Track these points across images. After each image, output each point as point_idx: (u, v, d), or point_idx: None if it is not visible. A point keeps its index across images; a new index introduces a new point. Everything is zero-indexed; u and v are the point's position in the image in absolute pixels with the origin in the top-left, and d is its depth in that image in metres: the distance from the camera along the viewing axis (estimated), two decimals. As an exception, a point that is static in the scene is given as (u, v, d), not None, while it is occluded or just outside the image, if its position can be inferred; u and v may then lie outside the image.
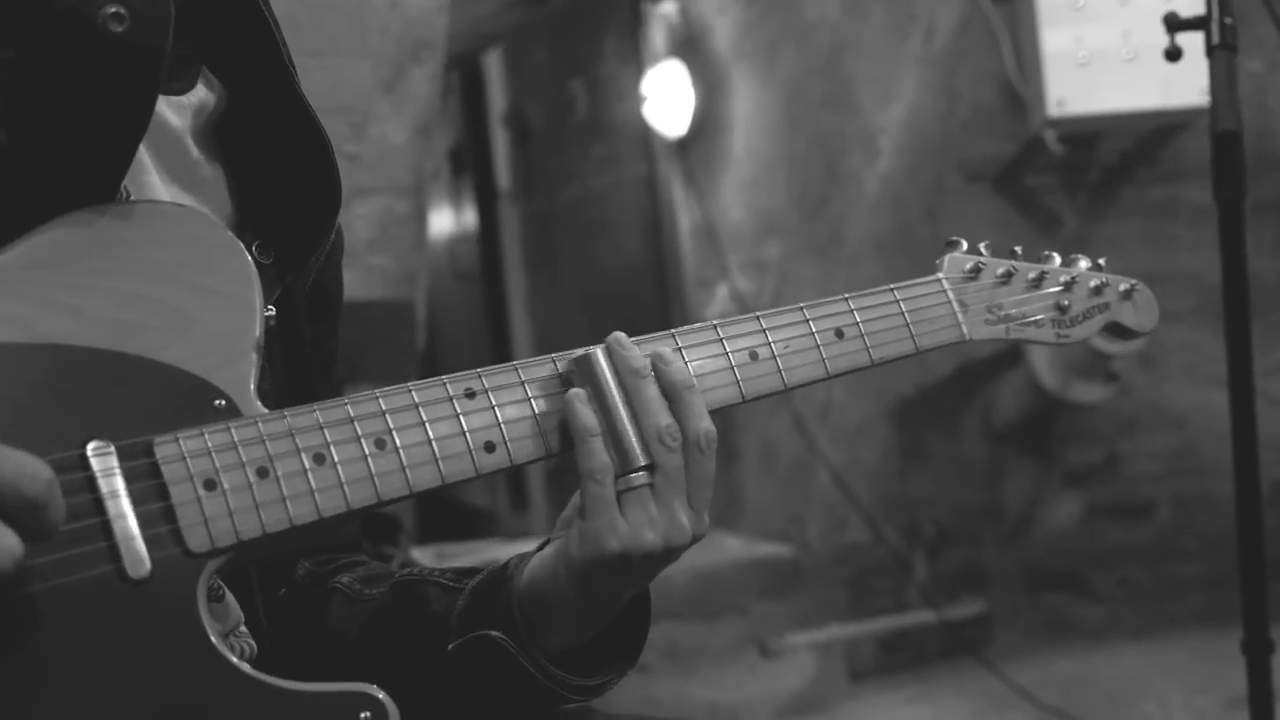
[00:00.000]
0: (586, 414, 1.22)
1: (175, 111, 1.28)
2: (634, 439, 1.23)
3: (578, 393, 1.23)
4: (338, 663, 1.30)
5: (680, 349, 1.30)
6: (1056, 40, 4.77)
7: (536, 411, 1.24)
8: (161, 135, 1.25)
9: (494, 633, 1.26)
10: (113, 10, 1.12)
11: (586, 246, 7.11)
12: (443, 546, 4.75)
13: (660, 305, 6.22)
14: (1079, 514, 5.65)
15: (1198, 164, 3.73)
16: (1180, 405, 5.48)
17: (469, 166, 8.18)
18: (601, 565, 1.22)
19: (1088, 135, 5.11)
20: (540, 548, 1.31)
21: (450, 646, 1.28)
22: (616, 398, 1.23)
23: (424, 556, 4.40)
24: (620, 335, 1.26)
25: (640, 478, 1.22)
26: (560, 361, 1.26)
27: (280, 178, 1.34)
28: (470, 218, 8.24)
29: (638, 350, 1.25)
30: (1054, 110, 4.78)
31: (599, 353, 1.25)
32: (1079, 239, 5.14)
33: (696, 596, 5.40)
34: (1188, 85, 4.43)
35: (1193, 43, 2.37)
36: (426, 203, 4.74)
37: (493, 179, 8.00)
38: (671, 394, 1.25)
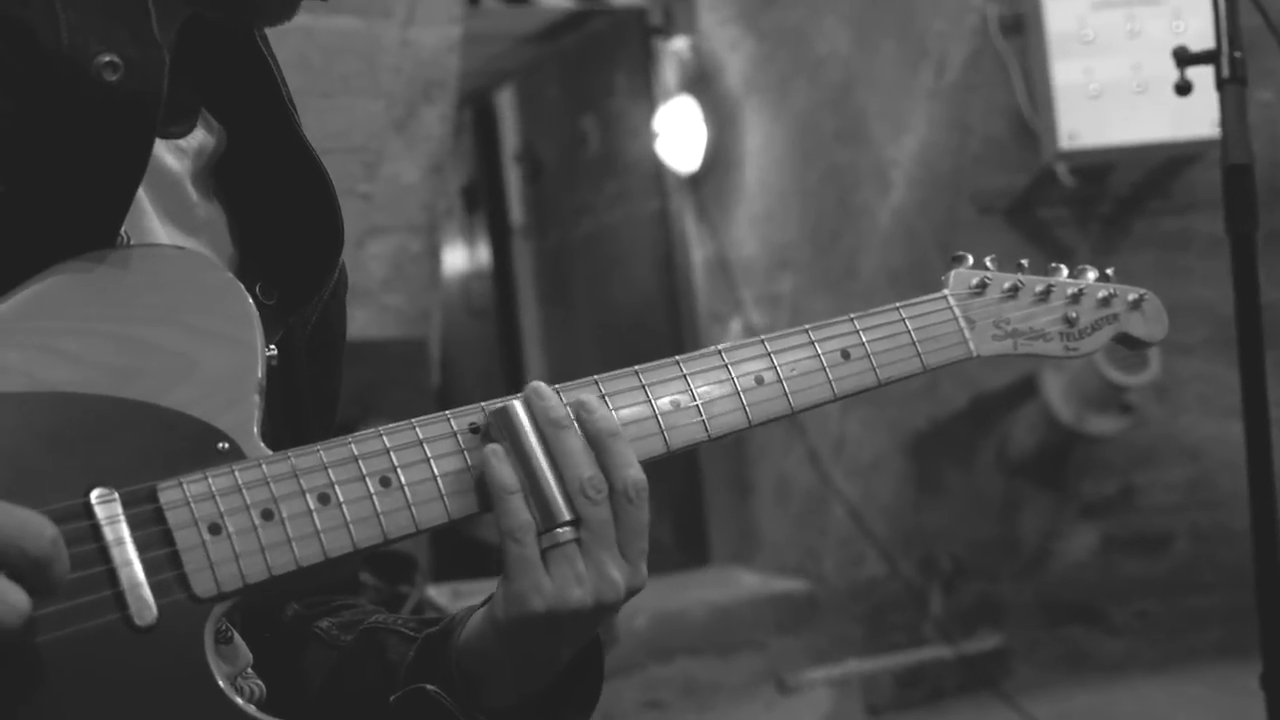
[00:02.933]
0: (504, 470, 1.16)
1: (174, 155, 1.27)
2: (557, 493, 1.17)
3: (494, 448, 1.17)
4: (302, 709, 1.27)
5: (604, 395, 1.23)
6: (1067, 73, 4.78)
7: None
8: (160, 178, 1.24)
9: (429, 687, 1.22)
10: (107, 59, 1.11)
11: (600, 282, 7.12)
12: (459, 585, 4.72)
13: (674, 339, 6.22)
14: (1095, 546, 5.63)
15: (1209, 195, 3.73)
16: (1196, 436, 5.46)
17: (482, 204, 8.22)
18: (528, 626, 1.17)
19: (1099, 167, 5.11)
20: (486, 601, 1.24)
21: (391, 699, 1.24)
22: (537, 451, 1.18)
23: (440, 595, 4.39)
24: (539, 385, 1.21)
25: (566, 533, 1.17)
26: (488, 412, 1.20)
27: (282, 219, 1.32)
28: (484, 254, 8.27)
29: (558, 399, 1.20)
30: (1065, 143, 4.79)
31: (517, 404, 1.19)
32: (1092, 271, 5.14)
33: (713, 632, 5.38)
34: (1198, 117, 4.42)
35: (1203, 75, 2.38)
36: (440, 240, 4.76)
37: (506, 216, 8.03)
38: (596, 443, 1.19)
